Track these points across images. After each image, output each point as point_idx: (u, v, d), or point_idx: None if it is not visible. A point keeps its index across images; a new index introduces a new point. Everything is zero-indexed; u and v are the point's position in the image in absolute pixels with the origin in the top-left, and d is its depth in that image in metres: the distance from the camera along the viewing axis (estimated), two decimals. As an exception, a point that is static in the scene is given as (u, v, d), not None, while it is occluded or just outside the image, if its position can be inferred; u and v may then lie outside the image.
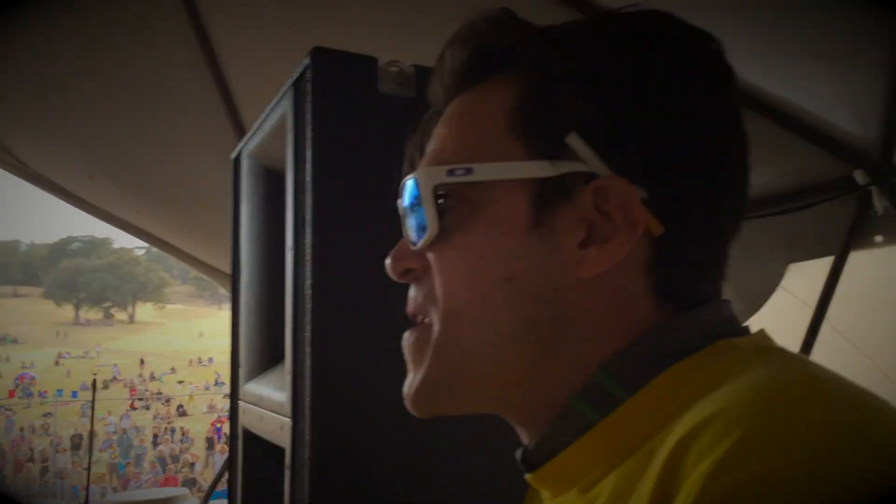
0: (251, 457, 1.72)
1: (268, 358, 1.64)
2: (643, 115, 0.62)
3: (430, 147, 0.71)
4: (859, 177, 2.56)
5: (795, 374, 0.52)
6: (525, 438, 0.70)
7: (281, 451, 1.36)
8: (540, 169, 0.63)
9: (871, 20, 2.07)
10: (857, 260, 2.78)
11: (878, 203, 2.55)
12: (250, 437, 1.68)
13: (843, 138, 2.59)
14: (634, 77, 0.63)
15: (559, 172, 0.63)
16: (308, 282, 1.23)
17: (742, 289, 3.38)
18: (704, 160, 0.64)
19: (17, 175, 3.94)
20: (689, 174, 0.63)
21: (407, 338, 0.71)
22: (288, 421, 1.32)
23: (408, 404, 0.70)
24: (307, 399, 1.23)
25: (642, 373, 0.61)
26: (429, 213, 0.66)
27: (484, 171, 0.65)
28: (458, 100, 0.71)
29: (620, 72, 0.63)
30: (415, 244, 0.68)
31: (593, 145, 0.62)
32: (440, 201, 0.66)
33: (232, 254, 1.82)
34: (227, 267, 1.88)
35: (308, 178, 1.24)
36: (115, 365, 40.51)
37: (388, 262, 0.71)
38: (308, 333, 1.23)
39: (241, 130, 3.24)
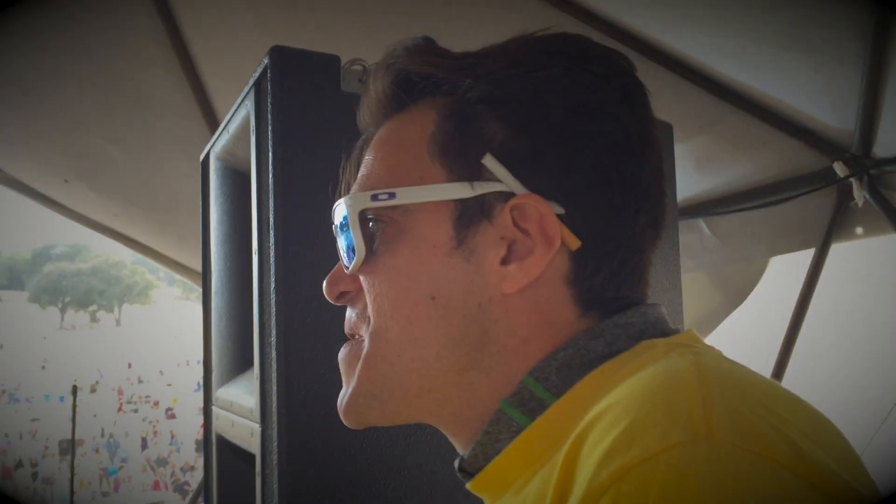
0: (226, 462, 1.69)
1: (240, 362, 1.61)
2: (556, 135, 0.65)
3: (360, 173, 0.74)
4: (839, 169, 2.56)
5: (684, 365, 0.55)
6: (459, 448, 0.73)
7: (252, 456, 1.34)
8: (459, 190, 0.66)
9: (848, 11, 2.06)
10: (839, 252, 2.78)
11: (858, 195, 2.55)
12: (224, 443, 1.65)
13: (821, 130, 2.58)
14: (546, 98, 0.66)
15: (478, 193, 0.66)
16: (273, 285, 1.21)
17: (724, 282, 3.37)
18: (617, 175, 0.66)
19: (-9, 179, 3.88)
20: (602, 189, 0.66)
21: (340, 353, 0.75)
22: (257, 426, 1.30)
23: (340, 415, 0.73)
24: (274, 404, 1.21)
25: (568, 376, 0.64)
26: (356, 237, 0.69)
27: (406, 195, 0.68)
28: (384, 126, 0.74)
29: (532, 94, 0.66)
30: (347, 267, 0.72)
31: (509, 165, 0.66)
32: (370, 225, 0.70)
33: (202, 257, 1.79)
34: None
35: (271, 179, 1.22)
36: (98, 369, 40.16)
37: (324, 285, 0.74)
38: (273, 338, 1.20)
39: (215, 128, 3.20)
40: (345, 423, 0.73)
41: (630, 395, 0.53)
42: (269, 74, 1.24)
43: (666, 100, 2.53)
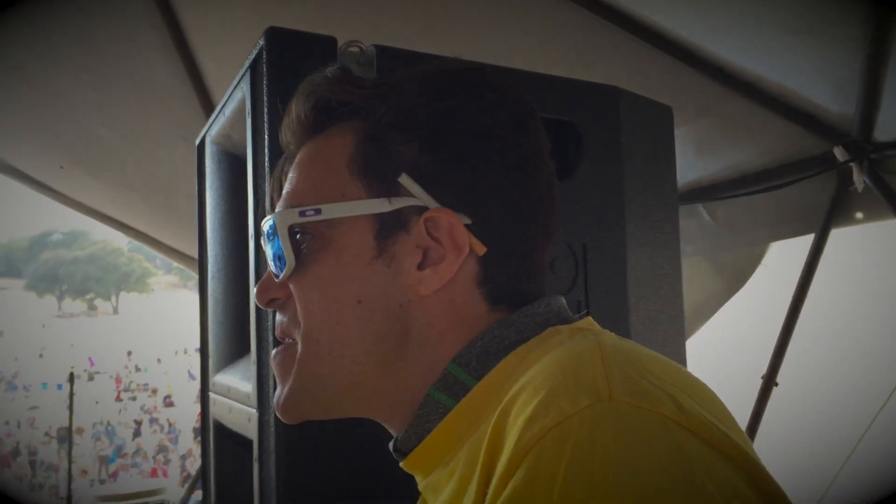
0: (223, 448, 1.68)
1: (237, 348, 1.60)
2: (460, 156, 0.75)
3: (285, 189, 0.81)
4: (839, 153, 2.55)
5: (587, 344, 0.67)
6: (393, 432, 0.81)
7: (250, 442, 1.33)
8: (379, 205, 0.75)
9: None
10: (839, 236, 2.77)
11: (858, 179, 2.54)
12: (221, 429, 1.64)
13: (822, 115, 2.57)
14: (450, 125, 0.75)
15: (395, 207, 0.75)
16: (269, 270, 1.19)
17: (724, 267, 3.36)
18: (514, 188, 0.77)
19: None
20: (502, 201, 0.76)
21: (274, 356, 0.82)
22: (255, 412, 1.29)
23: (277, 412, 0.81)
24: (272, 390, 1.19)
25: (487, 361, 0.73)
26: (286, 250, 0.77)
27: (331, 210, 0.76)
28: (306, 146, 0.82)
29: (438, 121, 0.75)
30: (277, 276, 0.79)
31: (422, 183, 0.75)
32: (297, 236, 0.77)
33: (198, 242, 1.78)
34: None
35: (267, 162, 1.20)
36: (90, 358, 39.99)
37: (254, 292, 0.82)
38: (270, 322, 1.19)
39: (211, 113, 3.18)
40: (282, 418, 0.81)
41: (545, 371, 0.64)
42: (264, 56, 1.22)
43: (666, 84, 2.51)
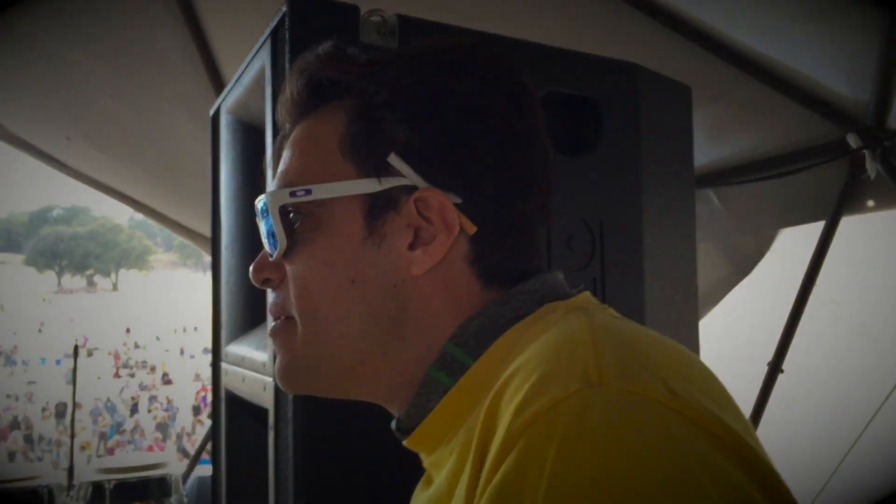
0: (234, 419, 1.69)
1: (250, 318, 1.60)
2: (452, 134, 0.75)
3: (279, 168, 0.82)
4: (852, 140, 2.53)
5: (579, 326, 0.66)
6: (394, 412, 0.82)
7: (264, 411, 1.33)
8: (369, 185, 0.75)
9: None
10: (849, 224, 2.77)
11: (871, 167, 2.53)
12: (233, 399, 1.64)
13: (835, 101, 2.55)
14: (442, 103, 0.75)
15: (385, 187, 0.74)
16: (289, 238, 1.19)
17: (733, 253, 3.36)
18: (506, 167, 0.76)
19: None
20: (494, 180, 0.75)
21: (272, 327, 0.83)
22: (270, 380, 1.29)
23: (278, 382, 0.82)
24: (289, 359, 1.19)
25: (483, 340, 0.73)
26: (278, 229, 0.77)
27: (321, 191, 0.76)
28: (300, 125, 0.82)
29: (430, 99, 0.75)
30: (271, 256, 0.79)
31: (412, 163, 0.74)
32: (290, 215, 0.77)
33: (212, 213, 1.77)
34: (209, 230, 1.82)
35: (288, 131, 1.19)
36: (87, 335, 40.00)
37: (250, 272, 0.82)
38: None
39: (220, 87, 3.15)
40: (282, 388, 0.83)
41: (538, 354, 0.63)
42: (287, 24, 1.21)
43: (680, 67, 2.50)
